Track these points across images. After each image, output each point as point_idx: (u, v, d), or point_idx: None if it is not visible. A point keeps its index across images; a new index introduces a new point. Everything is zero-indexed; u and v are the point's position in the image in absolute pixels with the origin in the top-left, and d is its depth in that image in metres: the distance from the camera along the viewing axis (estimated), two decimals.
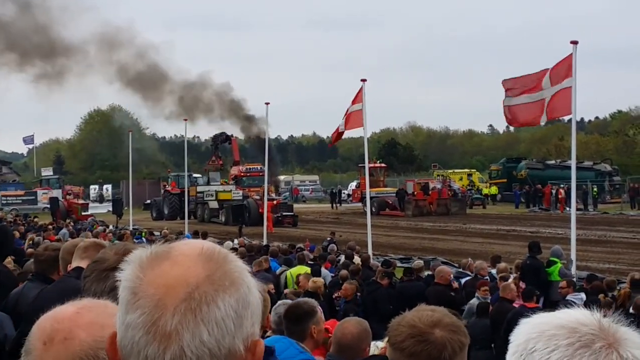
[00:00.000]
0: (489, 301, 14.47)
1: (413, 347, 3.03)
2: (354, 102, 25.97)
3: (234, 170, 64.30)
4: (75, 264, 5.61)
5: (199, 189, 62.65)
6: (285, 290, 15.84)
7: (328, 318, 8.36)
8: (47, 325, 2.09)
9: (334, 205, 76.33)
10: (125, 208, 57.10)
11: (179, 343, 1.49)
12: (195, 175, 68.55)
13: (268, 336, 6.65)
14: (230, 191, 60.53)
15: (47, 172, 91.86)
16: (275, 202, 55.04)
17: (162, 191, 66.22)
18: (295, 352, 6.01)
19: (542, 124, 21.11)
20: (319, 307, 6.62)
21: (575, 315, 1.65)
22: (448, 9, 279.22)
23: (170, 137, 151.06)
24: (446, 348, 3.01)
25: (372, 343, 6.31)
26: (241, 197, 57.99)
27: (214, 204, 59.87)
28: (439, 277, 15.82)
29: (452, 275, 16.56)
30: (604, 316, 1.66)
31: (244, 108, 71.60)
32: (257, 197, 55.53)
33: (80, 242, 5.81)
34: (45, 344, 2.05)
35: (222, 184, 63.59)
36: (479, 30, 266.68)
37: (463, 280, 17.33)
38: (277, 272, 19.04)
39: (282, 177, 74.93)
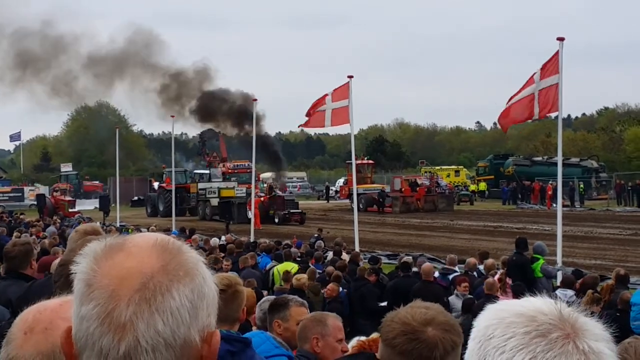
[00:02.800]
0: (469, 297, 14.53)
1: (404, 345, 2.97)
2: (339, 98, 25.95)
3: (222, 167, 64.21)
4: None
5: (201, 185, 61.15)
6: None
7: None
8: (29, 316, 2.10)
9: (328, 199, 77.14)
10: (112, 205, 56.89)
11: (133, 333, 1.48)
12: (197, 171, 67.37)
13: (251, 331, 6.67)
14: (233, 188, 58.31)
15: (66, 167, 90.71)
16: (279, 198, 54.97)
17: (157, 187, 65.00)
18: (270, 347, 5.99)
19: (532, 120, 21.13)
20: (302, 305, 6.59)
21: (537, 304, 1.64)
22: (429, 6, 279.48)
23: (158, 134, 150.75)
24: (437, 347, 2.93)
25: (356, 339, 6.33)
26: (244, 194, 55.47)
27: (215, 202, 57.99)
28: (425, 274, 15.82)
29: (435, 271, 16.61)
30: (568, 306, 1.66)
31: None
32: (262, 194, 55.00)
33: (72, 233, 5.73)
34: (25, 333, 2.06)
35: (223, 181, 62.02)
36: (463, 28, 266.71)
37: (451, 276, 17.37)
38: (267, 267, 19.05)
39: (269, 174, 74.45)
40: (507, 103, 20.59)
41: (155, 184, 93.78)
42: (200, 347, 1.57)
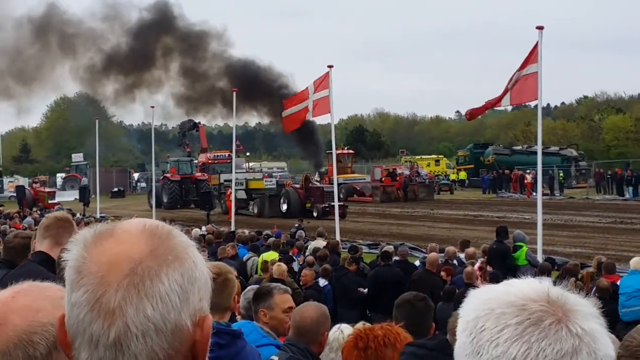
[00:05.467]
0: (450, 286, 14.59)
1: None
2: (319, 88, 25.99)
3: (202, 158, 63.95)
4: (38, 246, 5.54)
5: (224, 176, 56.10)
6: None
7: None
8: None
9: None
10: (93, 196, 56.71)
11: (123, 319, 1.48)
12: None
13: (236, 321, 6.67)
14: (262, 179, 54.47)
15: (77, 157, 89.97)
16: (317, 190, 49.76)
17: (161, 177, 61.31)
18: (258, 337, 6.02)
19: (503, 107, 21.22)
20: (285, 292, 6.60)
21: (524, 290, 1.63)
22: None
23: (138, 124, 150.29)
24: None
25: (337, 326, 6.33)
26: (275, 186, 52.06)
27: (241, 194, 51.75)
28: (430, 264, 15.86)
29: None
30: (554, 285, 1.66)
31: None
32: (298, 186, 51.00)
33: (43, 219, 5.72)
34: None
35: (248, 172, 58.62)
36: (444, 19, 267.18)
37: None
38: (244, 258, 19.05)
39: (251, 164, 74.23)
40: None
41: (136, 175, 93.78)
42: (193, 331, 1.56)
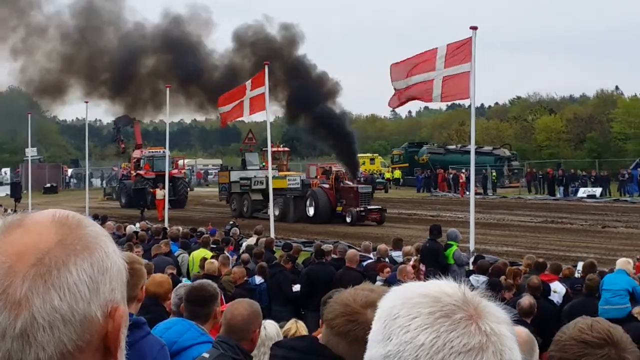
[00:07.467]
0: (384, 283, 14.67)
1: (342, 326, 2.97)
2: (256, 85, 25.94)
3: (136, 154, 63.03)
4: None
5: (239, 174, 50.11)
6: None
7: None
8: None
9: None
10: (25, 192, 55.86)
11: (29, 310, 1.45)
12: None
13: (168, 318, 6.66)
14: (285, 178, 45.64)
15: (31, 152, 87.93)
16: (350, 191, 42.50)
17: (134, 174, 58.01)
18: (196, 335, 6.04)
19: (434, 102, 21.18)
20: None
21: (441, 286, 1.67)
22: None
23: (72, 120, 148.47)
24: None
25: (271, 322, 6.37)
26: (299, 186, 44.60)
27: (257, 194, 45.83)
28: (350, 260, 15.91)
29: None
30: (471, 290, 1.68)
31: None
32: (327, 186, 43.90)
33: None
34: None
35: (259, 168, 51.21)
36: (380, 18, 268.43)
37: (365, 263, 17.49)
38: (175, 254, 18.95)
39: (186, 161, 73.49)
40: (398, 73, 20.68)
41: (69, 171, 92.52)
42: (104, 322, 1.54)
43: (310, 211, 42.64)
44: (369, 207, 41.06)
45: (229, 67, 58.72)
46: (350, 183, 44.84)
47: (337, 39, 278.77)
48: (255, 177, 46.65)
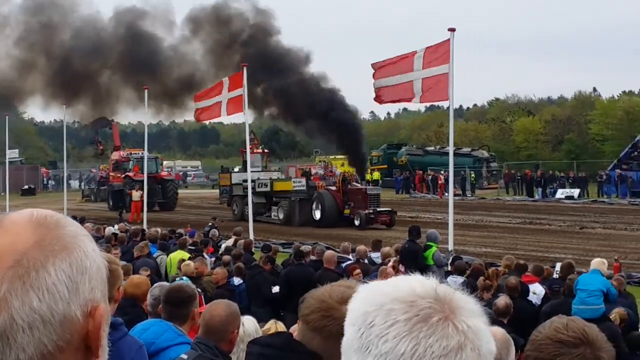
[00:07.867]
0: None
1: (318, 322, 2.98)
2: (234, 87, 25.89)
3: (115, 156, 62.67)
4: None
5: (238, 177, 48.12)
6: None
7: None
8: None
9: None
10: (2, 194, 55.60)
11: (8, 311, 1.45)
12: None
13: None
14: (290, 180, 45.69)
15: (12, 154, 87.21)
16: (359, 192, 41.16)
17: (123, 176, 56.60)
18: (174, 336, 6.03)
19: (413, 103, 21.28)
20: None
21: (413, 286, 1.66)
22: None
23: (50, 121, 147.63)
24: None
25: (249, 318, 6.37)
26: (305, 188, 43.14)
27: (258, 197, 43.22)
28: (327, 261, 15.91)
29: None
30: (440, 283, 1.68)
31: None
32: (333, 188, 42.84)
33: None
34: None
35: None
36: (360, 19, 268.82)
37: (344, 264, 17.49)
38: (154, 256, 18.90)
39: (164, 163, 72.94)
40: (379, 72, 20.77)
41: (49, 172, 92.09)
42: (84, 322, 1.54)
43: (317, 214, 41.47)
44: (378, 210, 39.97)
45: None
46: (358, 185, 43.64)
47: (312, 39, 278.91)
48: (258, 179, 44.71)
